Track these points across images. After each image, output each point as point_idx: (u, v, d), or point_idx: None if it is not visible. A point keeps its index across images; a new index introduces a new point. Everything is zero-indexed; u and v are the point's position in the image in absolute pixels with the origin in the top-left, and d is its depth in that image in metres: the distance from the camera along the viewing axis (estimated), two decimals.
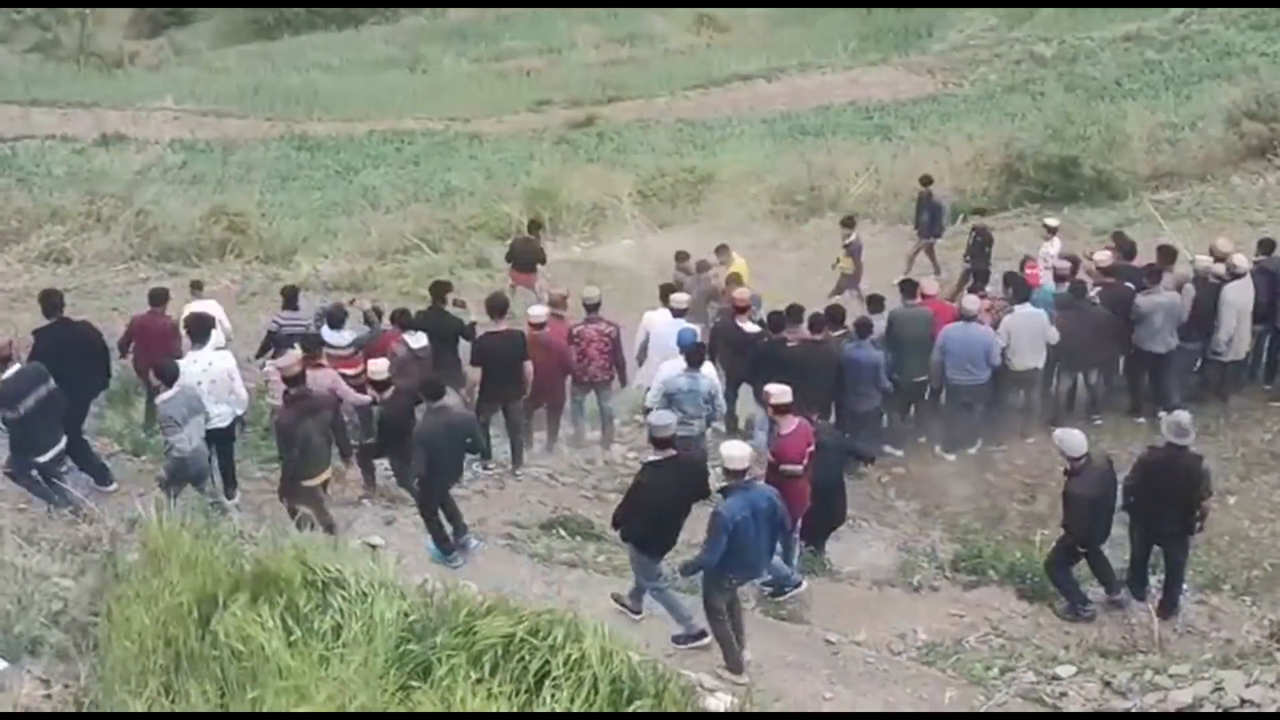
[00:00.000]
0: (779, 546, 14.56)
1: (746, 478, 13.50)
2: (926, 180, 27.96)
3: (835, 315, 19.74)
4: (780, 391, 15.39)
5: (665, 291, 20.31)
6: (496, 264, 30.21)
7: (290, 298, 20.82)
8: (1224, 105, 37.02)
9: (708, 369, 17.77)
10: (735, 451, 13.54)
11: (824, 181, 34.21)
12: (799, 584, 15.63)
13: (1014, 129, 37.93)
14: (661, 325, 19.17)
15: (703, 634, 13.93)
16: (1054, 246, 24.87)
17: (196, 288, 21.81)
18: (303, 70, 56.39)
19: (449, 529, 16.07)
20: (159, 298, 19.67)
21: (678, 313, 19.30)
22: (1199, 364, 21.11)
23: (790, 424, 15.33)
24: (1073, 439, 15.49)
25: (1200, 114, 38.21)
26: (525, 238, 26.12)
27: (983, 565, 16.70)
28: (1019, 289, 20.27)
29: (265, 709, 10.63)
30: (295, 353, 16.93)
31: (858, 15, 57.56)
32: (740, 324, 19.44)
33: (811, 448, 15.50)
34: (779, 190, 34.18)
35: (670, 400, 17.18)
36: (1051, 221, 26.11)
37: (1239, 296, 20.13)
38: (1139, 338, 20.27)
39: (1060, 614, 15.76)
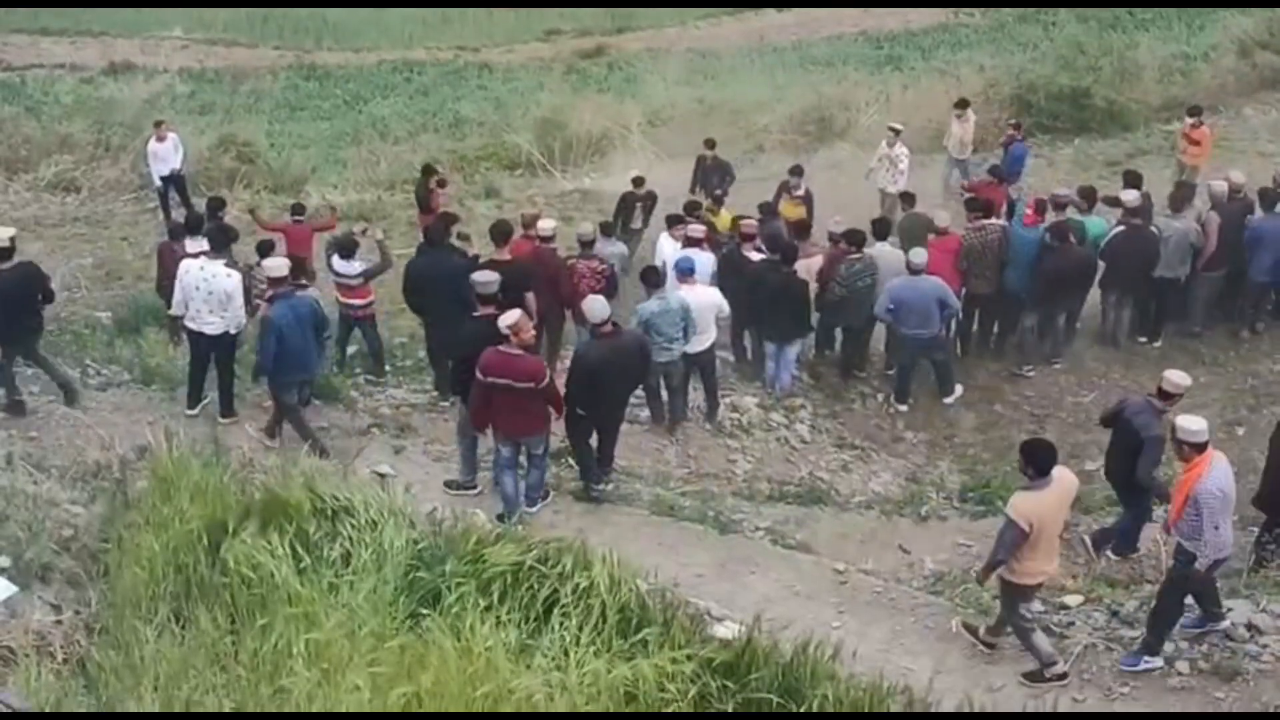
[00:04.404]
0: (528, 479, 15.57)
1: (288, 287, 16.19)
2: (711, 143, 26.79)
3: (853, 238, 19.58)
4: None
5: (671, 222, 20.33)
6: (506, 194, 30.22)
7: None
8: (1237, 35, 36.81)
9: (699, 290, 17.92)
10: (274, 263, 16.53)
11: (834, 112, 33.98)
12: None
13: (1025, 59, 37.75)
14: (670, 253, 19.15)
15: (473, 485, 15.91)
16: (899, 150, 25.16)
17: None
18: None
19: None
20: (177, 233, 19.82)
21: (691, 241, 19.25)
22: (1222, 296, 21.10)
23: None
24: (597, 303, 15.52)
25: (1213, 44, 38.02)
26: (421, 182, 25.63)
27: (990, 495, 16.71)
28: (881, 227, 20.37)
29: (275, 635, 10.69)
30: None
31: None
32: (746, 253, 19.38)
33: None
34: (789, 120, 34.03)
35: (647, 327, 17.18)
36: (896, 125, 26.24)
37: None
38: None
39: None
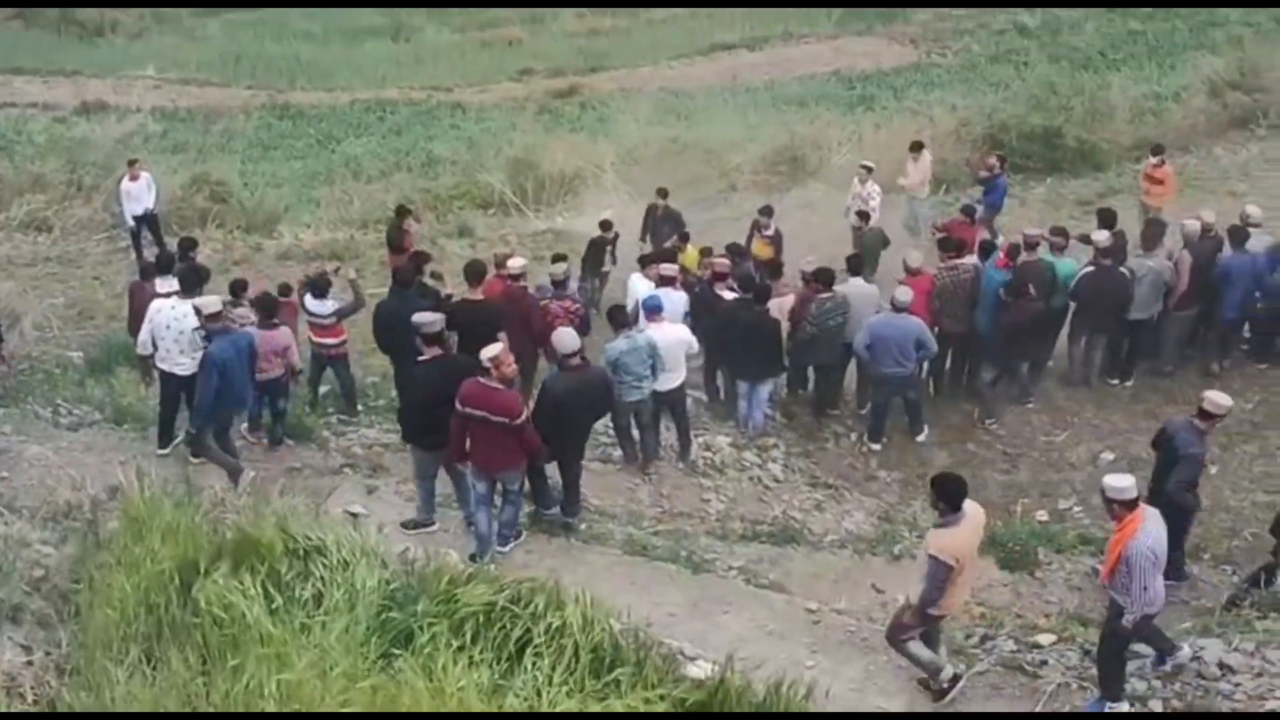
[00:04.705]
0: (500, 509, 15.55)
1: (222, 323, 16.21)
2: (663, 193, 26.53)
3: (823, 277, 19.60)
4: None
5: (644, 261, 20.62)
6: (480, 233, 30.24)
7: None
8: (1207, 75, 37.12)
9: (667, 327, 17.99)
10: (206, 300, 16.43)
11: (807, 151, 34.10)
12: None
13: (997, 99, 38.01)
14: (643, 292, 19.20)
15: (430, 523, 15.83)
16: (870, 188, 25.28)
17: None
18: (285, 39, 56.12)
19: None
20: (148, 272, 19.87)
21: (664, 280, 19.28)
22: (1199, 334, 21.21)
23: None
24: (567, 334, 15.84)
25: (1184, 84, 38.28)
26: (394, 223, 25.57)
27: None
28: (855, 263, 20.80)
29: (246, 676, 10.63)
30: None
31: None
32: (719, 292, 19.41)
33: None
34: (762, 160, 34.13)
35: (615, 367, 17.14)
36: (867, 163, 26.42)
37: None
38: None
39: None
